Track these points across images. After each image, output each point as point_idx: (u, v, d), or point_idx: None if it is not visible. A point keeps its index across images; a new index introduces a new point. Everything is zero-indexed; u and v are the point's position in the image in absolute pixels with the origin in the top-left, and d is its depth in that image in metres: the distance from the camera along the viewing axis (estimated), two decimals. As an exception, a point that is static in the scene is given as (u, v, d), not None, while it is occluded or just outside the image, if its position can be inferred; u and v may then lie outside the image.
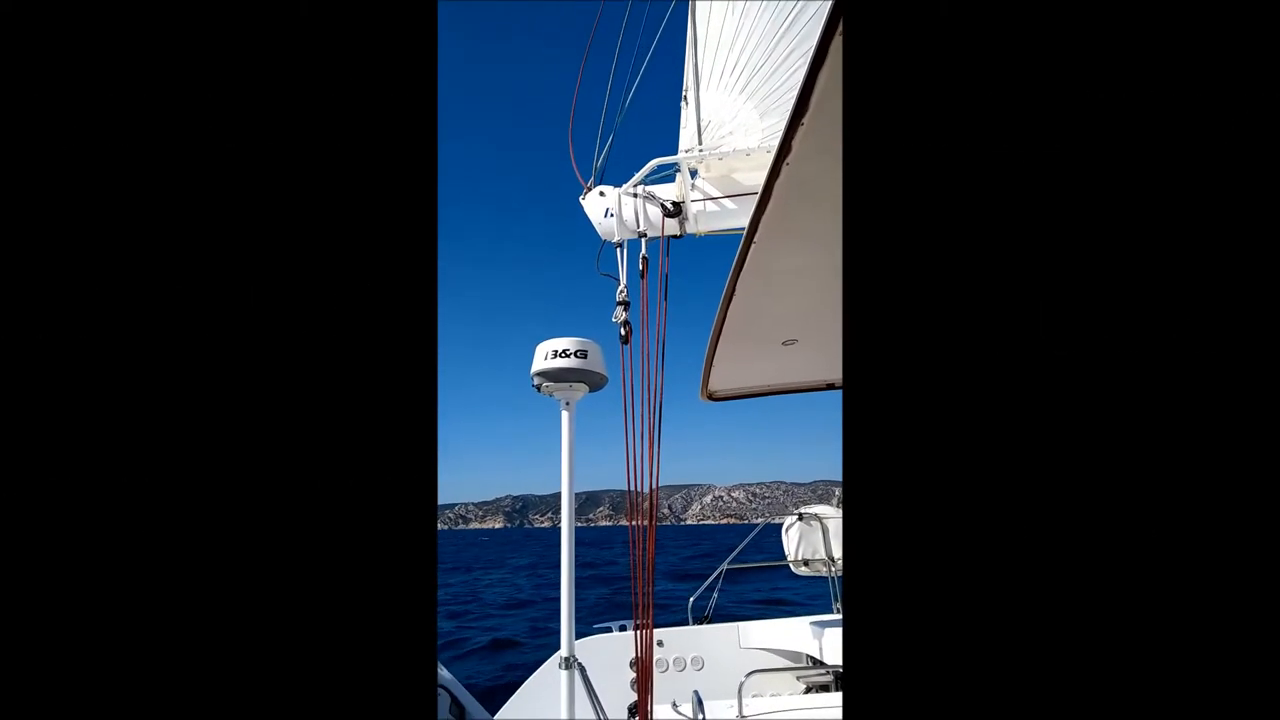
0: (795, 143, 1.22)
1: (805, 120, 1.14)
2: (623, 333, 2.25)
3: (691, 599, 3.57)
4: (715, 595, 3.58)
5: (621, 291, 2.35)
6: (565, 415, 2.06)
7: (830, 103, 1.10)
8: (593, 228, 2.62)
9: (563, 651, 1.97)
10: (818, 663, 3.06)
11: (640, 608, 2.03)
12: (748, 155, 2.59)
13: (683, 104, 2.74)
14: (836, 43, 1.01)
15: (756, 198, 1.46)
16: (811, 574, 3.64)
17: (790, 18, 2.62)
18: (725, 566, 3.67)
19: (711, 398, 3.27)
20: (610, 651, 3.21)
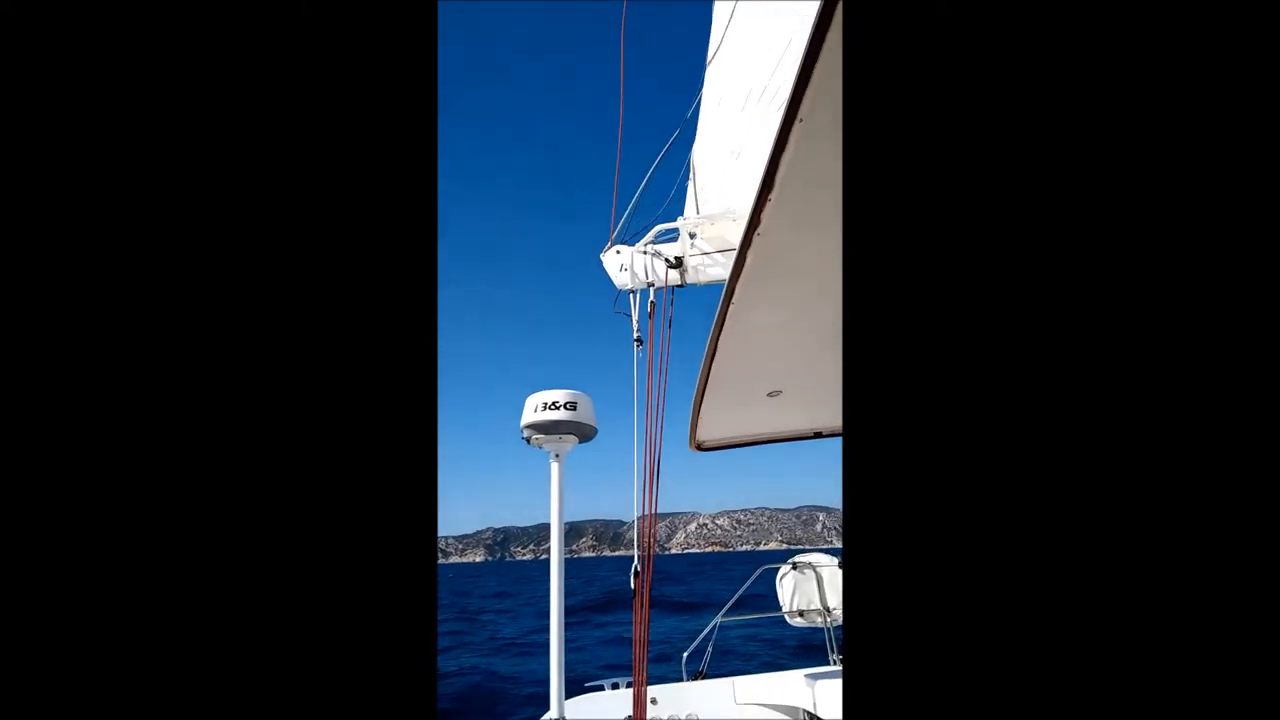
0: (764, 216, 1.28)
1: (771, 196, 1.21)
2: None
3: (685, 654, 3.50)
4: (710, 650, 3.51)
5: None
6: (555, 467, 1.99)
7: (792, 182, 1.16)
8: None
9: (552, 713, 1.90)
10: (814, 718, 3.00)
11: (638, 662, 1.98)
12: (733, 221, 3.00)
13: (689, 184, 3.35)
14: (797, 129, 1.08)
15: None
16: (806, 624, 3.58)
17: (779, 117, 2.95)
18: (719, 620, 3.60)
19: (700, 448, 3.29)
20: (602, 712, 3.13)
